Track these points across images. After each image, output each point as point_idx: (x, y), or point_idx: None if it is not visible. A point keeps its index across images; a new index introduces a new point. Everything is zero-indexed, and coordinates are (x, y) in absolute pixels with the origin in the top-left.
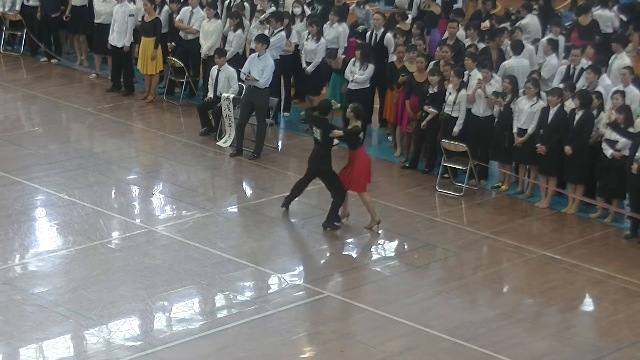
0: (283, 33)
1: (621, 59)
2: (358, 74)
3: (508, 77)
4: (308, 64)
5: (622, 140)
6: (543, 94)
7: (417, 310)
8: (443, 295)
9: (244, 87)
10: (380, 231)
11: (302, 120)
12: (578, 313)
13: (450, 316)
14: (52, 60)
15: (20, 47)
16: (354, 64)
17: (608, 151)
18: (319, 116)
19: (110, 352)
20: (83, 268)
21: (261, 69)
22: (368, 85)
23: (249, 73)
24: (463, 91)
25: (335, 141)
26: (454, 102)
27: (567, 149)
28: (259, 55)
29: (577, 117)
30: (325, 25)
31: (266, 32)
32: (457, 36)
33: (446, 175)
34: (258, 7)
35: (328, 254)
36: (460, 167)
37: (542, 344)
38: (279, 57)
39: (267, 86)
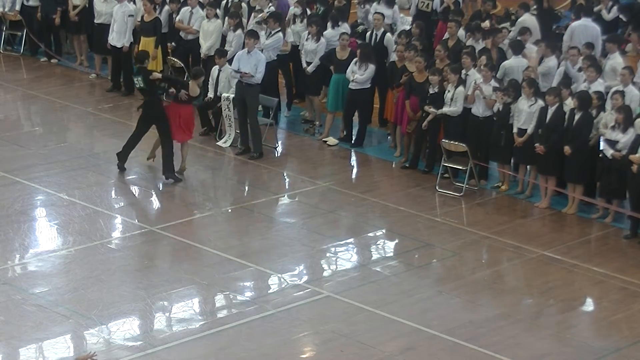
0: (280, 34)
1: (614, 59)
2: (358, 74)
3: (510, 83)
4: (308, 64)
5: (623, 140)
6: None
7: (417, 310)
8: (443, 295)
9: (235, 85)
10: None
11: (302, 120)
12: (578, 313)
13: (450, 316)
14: (52, 60)
15: (20, 47)
16: (355, 64)
17: (608, 151)
18: (138, 65)
19: (110, 352)
20: (83, 268)
21: (254, 64)
22: (368, 86)
23: (238, 69)
24: (461, 87)
25: (335, 141)
26: (452, 99)
27: (567, 149)
28: (248, 51)
29: (576, 117)
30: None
31: (263, 33)
32: (458, 36)
33: (446, 175)
34: (257, 7)
35: (328, 254)
36: (460, 167)
37: (542, 344)
38: (276, 58)
39: (259, 83)
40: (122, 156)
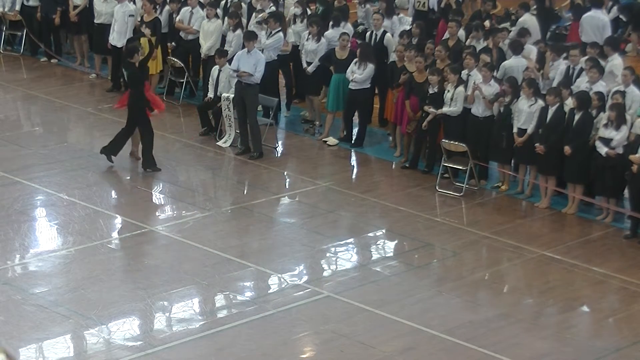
0: (281, 34)
1: (612, 61)
2: (357, 74)
3: (508, 80)
4: (309, 64)
5: (617, 138)
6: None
7: (417, 310)
8: (443, 295)
9: (234, 85)
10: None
11: (302, 120)
12: (578, 313)
13: (450, 316)
14: (52, 60)
15: (20, 47)
16: (355, 64)
17: (602, 149)
18: (126, 60)
19: (110, 352)
20: (83, 268)
21: (253, 64)
22: (368, 86)
23: (238, 69)
24: (460, 87)
25: (335, 141)
26: (452, 99)
27: (567, 149)
28: (248, 51)
29: (576, 117)
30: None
31: (263, 32)
32: (458, 36)
33: (446, 175)
34: (258, 7)
35: (328, 254)
36: (460, 167)
37: (542, 344)
38: (276, 57)
39: (258, 82)
40: (111, 150)
